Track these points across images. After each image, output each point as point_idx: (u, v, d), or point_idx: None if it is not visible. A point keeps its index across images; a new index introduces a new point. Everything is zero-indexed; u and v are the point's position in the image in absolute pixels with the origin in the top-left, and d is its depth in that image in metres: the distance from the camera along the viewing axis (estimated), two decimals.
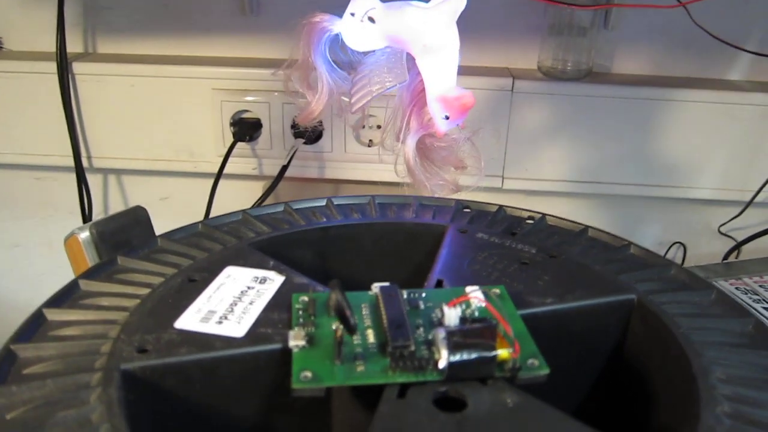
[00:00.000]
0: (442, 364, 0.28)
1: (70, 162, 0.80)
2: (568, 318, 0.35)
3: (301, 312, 0.33)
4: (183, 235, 0.42)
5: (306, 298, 0.33)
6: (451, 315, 0.31)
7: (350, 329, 0.29)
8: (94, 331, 0.32)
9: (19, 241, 0.92)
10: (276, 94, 0.74)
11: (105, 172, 0.86)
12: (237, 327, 0.32)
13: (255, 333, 0.32)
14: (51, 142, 0.80)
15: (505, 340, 0.29)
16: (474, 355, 0.28)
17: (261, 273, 0.37)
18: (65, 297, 0.35)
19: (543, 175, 0.79)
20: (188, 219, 0.45)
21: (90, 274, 0.37)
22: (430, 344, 0.30)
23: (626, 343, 0.37)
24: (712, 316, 0.35)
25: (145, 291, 0.35)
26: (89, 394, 0.28)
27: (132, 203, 0.54)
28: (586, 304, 0.35)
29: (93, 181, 0.84)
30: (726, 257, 0.79)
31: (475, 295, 0.32)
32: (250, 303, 0.34)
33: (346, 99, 0.45)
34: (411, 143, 0.43)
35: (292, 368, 0.29)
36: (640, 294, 0.36)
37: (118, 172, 0.86)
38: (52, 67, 0.75)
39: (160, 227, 0.46)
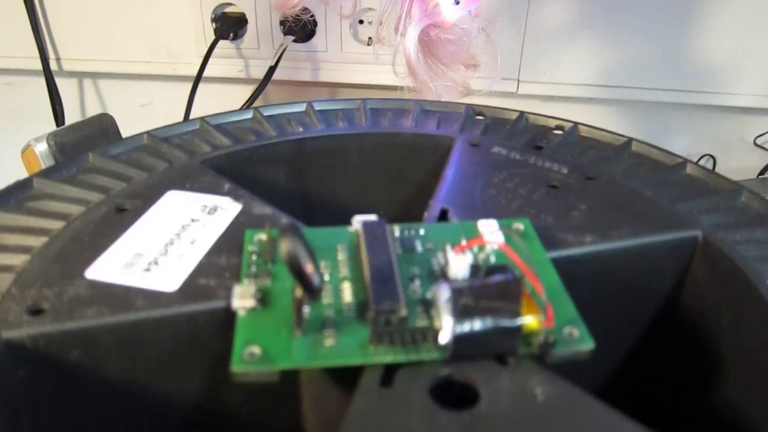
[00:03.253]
0: (444, 337, 0.20)
1: (38, 65, 0.73)
2: (613, 263, 0.27)
3: (254, 257, 0.24)
4: (123, 149, 0.33)
5: (263, 237, 0.25)
6: (459, 264, 0.22)
7: (312, 292, 0.20)
8: None
9: None
10: None
11: (78, 76, 0.79)
12: (169, 277, 0.24)
13: (192, 286, 0.23)
14: (15, 42, 0.73)
15: (533, 302, 0.21)
16: (490, 325, 0.20)
17: (211, 200, 0.28)
18: None
19: (563, 78, 0.72)
20: None
21: None
22: (429, 306, 0.22)
23: (684, 295, 0.28)
24: None
25: (58, 225, 0.27)
26: None
27: (110, 111, 0.48)
28: (637, 243, 0.27)
29: (66, 86, 0.78)
30: (762, 173, 0.73)
31: (492, 238, 0.23)
32: (192, 242, 0.25)
33: None
34: (413, 36, 0.39)
35: (234, 341, 0.21)
36: (706, 230, 0.28)
37: (93, 76, 0.79)
38: None
39: None
